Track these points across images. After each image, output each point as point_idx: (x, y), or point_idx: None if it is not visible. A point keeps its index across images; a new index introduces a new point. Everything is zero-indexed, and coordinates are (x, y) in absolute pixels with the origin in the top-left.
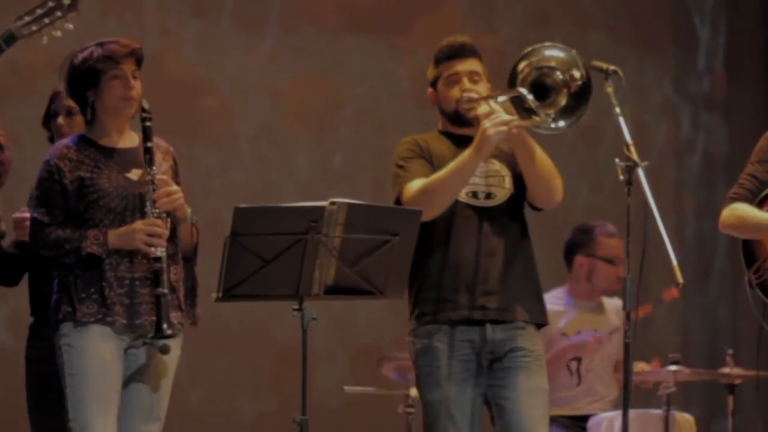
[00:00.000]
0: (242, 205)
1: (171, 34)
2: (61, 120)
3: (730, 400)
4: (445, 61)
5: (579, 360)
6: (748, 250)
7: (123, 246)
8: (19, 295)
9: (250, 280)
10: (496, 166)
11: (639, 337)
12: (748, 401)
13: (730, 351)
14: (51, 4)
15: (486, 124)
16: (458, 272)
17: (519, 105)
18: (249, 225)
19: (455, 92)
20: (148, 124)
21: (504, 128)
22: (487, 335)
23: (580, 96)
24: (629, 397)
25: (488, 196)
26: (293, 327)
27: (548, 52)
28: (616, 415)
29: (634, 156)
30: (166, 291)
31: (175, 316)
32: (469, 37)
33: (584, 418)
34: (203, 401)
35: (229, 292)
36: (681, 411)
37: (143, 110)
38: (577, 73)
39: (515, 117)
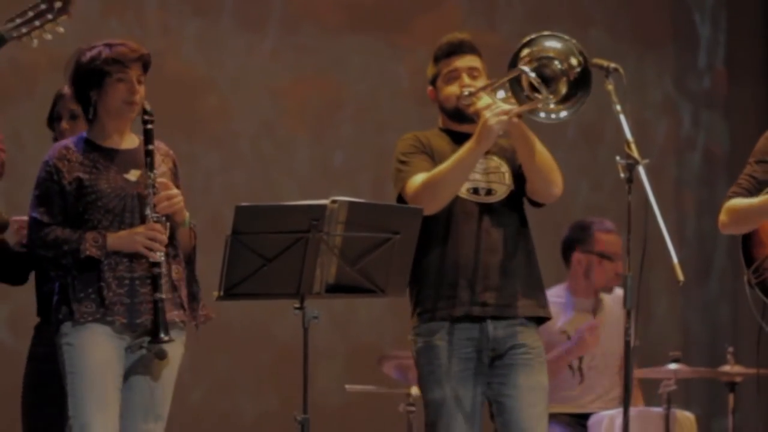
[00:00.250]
0: (243, 204)
1: (172, 32)
2: (64, 124)
3: (731, 398)
4: (444, 58)
5: (580, 357)
6: (748, 250)
7: (123, 249)
8: (20, 294)
9: (252, 279)
10: (496, 162)
11: (638, 336)
12: (748, 399)
13: (730, 349)
14: (42, 6)
15: (486, 114)
16: (459, 268)
17: (519, 94)
18: (250, 223)
19: (455, 89)
20: (149, 126)
21: (505, 117)
22: (488, 333)
23: (580, 83)
24: (629, 395)
25: (489, 192)
26: (294, 325)
27: (547, 43)
28: (617, 413)
29: (635, 154)
30: (163, 296)
31: (177, 314)
32: (468, 34)
33: (587, 416)
34: (204, 400)
35: (231, 291)
36: (681, 409)
37: (145, 112)
38: (574, 61)
39: (515, 106)
